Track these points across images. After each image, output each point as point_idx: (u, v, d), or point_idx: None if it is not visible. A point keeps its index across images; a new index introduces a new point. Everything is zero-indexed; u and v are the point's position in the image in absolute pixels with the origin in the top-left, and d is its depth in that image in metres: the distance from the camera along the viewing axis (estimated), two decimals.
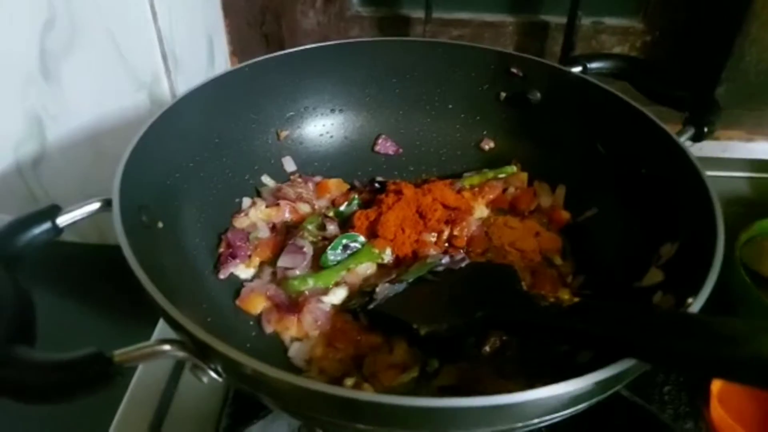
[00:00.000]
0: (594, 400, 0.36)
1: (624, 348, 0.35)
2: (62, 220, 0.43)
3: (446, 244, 0.60)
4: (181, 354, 0.36)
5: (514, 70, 0.66)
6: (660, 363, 0.35)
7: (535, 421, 0.36)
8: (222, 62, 0.91)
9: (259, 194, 0.65)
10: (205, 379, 0.37)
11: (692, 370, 0.35)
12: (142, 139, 0.49)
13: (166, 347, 0.36)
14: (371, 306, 0.51)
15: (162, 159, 0.52)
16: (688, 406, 0.54)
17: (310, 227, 0.60)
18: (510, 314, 0.43)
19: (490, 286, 0.48)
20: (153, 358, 0.36)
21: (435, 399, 0.32)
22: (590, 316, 0.39)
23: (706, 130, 0.55)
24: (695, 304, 0.38)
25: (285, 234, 0.61)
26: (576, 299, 0.42)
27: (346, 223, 0.62)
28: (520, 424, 0.36)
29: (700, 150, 0.53)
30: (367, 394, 0.36)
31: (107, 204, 0.44)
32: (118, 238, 0.39)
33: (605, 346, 0.37)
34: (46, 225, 0.42)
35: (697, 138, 0.55)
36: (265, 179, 0.66)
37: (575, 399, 0.35)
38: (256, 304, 0.54)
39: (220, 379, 0.37)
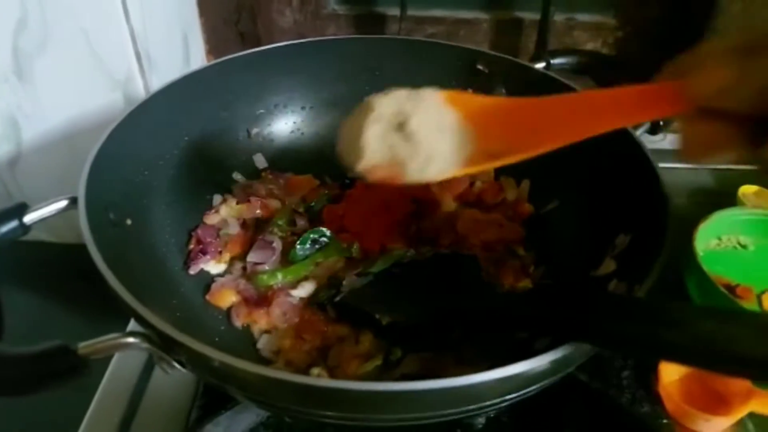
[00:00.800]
0: (547, 382, 0.38)
1: (574, 331, 0.37)
2: (29, 218, 0.44)
3: (414, 237, 0.61)
4: (145, 346, 0.37)
5: (480, 67, 0.67)
6: (607, 346, 0.37)
7: (489, 403, 0.38)
8: (198, 61, 0.90)
9: (229, 191, 0.66)
10: (170, 371, 0.38)
11: (638, 353, 0.37)
12: (110, 137, 0.50)
13: (131, 339, 0.37)
14: (337, 298, 0.53)
15: (131, 156, 0.53)
16: (645, 390, 0.56)
17: (279, 223, 0.61)
18: (469, 302, 0.45)
19: (452, 276, 0.50)
20: (118, 350, 0.37)
21: (391, 383, 0.34)
22: (542, 301, 0.40)
23: (662, 123, 0.57)
24: (641, 292, 0.40)
25: (255, 229, 0.62)
26: (530, 285, 0.43)
27: (316, 219, 0.63)
28: (473, 406, 0.38)
29: (662, 142, 0.55)
30: (329, 381, 0.37)
31: (74, 201, 0.44)
32: (83, 235, 0.40)
33: (557, 330, 0.39)
34: (13, 223, 0.43)
35: (653, 131, 0.57)
36: (236, 176, 0.67)
37: (528, 380, 0.36)
38: (226, 298, 0.55)
39: (184, 371, 0.38)
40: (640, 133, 0.56)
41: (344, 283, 0.54)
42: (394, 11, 0.94)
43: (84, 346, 0.35)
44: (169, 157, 0.59)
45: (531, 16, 0.95)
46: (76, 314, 0.76)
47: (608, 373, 0.56)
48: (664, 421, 0.53)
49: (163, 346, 0.37)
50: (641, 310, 0.37)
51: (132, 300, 0.36)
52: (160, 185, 0.57)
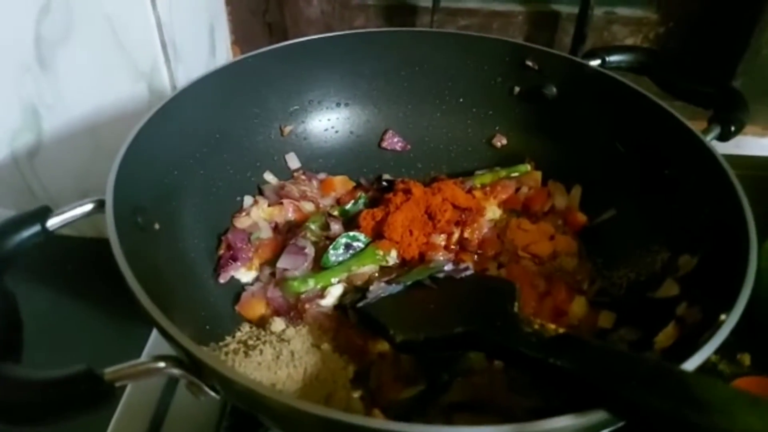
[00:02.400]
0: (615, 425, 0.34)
1: (595, 396, 0.32)
2: (52, 223, 0.41)
3: (456, 247, 0.57)
4: (176, 372, 0.34)
5: (529, 63, 0.63)
6: (625, 416, 0.32)
7: None
8: (223, 52, 0.88)
9: (261, 192, 0.63)
10: (201, 397, 0.35)
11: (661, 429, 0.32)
12: (139, 136, 0.46)
13: (161, 364, 0.34)
14: (360, 304, 0.49)
15: (160, 156, 0.50)
16: None
17: (313, 227, 0.58)
18: (490, 335, 0.41)
19: (482, 302, 0.46)
20: (146, 376, 0.34)
21: (424, 427, 0.30)
22: (568, 353, 0.35)
23: (733, 129, 0.52)
24: (729, 321, 0.36)
25: (286, 233, 0.58)
26: (561, 330, 0.39)
27: (351, 223, 0.59)
28: None
29: (735, 148, 0.51)
30: (368, 419, 0.33)
31: (100, 205, 0.41)
32: (112, 246, 0.37)
33: (576, 389, 0.34)
34: (35, 228, 0.40)
35: (723, 137, 0.53)
36: (268, 176, 0.63)
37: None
38: (256, 310, 0.52)
39: (217, 397, 0.35)
40: (710, 139, 0.51)
41: (371, 288, 0.50)
42: (425, 2, 0.91)
43: (111, 372, 0.32)
44: (199, 156, 0.56)
45: (568, 9, 0.91)
46: (95, 311, 0.74)
47: None
48: None
49: (195, 370, 0.34)
50: (677, 384, 0.32)
51: (166, 323, 0.33)
52: (189, 186, 0.54)
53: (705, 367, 0.55)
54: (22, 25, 0.64)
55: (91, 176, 0.75)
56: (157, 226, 0.48)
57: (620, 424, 0.33)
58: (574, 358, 0.35)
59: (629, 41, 0.94)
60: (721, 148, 0.49)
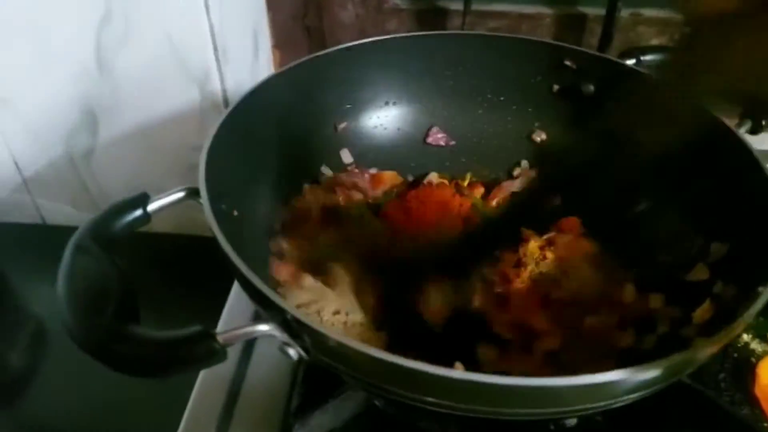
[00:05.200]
0: (657, 388, 0.38)
1: None
2: (151, 208, 0.46)
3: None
4: (275, 333, 0.38)
5: (567, 63, 0.67)
6: None
7: (598, 405, 0.38)
8: (265, 56, 0.92)
9: (317, 182, 0.67)
10: (294, 356, 0.39)
11: None
12: (220, 130, 0.51)
13: (263, 327, 0.38)
14: None
15: (236, 150, 0.54)
16: (743, 392, 0.55)
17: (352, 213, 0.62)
18: None
19: None
20: (250, 337, 0.38)
21: (520, 378, 0.34)
22: None
23: (764, 122, 0.56)
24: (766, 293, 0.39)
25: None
26: None
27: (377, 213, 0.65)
28: (583, 407, 0.38)
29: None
30: (464, 373, 0.35)
31: (193, 193, 0.46)
32: (211, 227, 0.41)
33: None
34: (138, 211, 0.45)
35: (754, 131, 0.56)
36: (324, 170, 0.68)
37: (639, 385, 0.36)
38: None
39: (307, 357, 0.39)
40: (742, 132, 0.55)
41: None
42: (456, 5, 0.94)
43: (222, 333, 0.36)
44: (268, 151, 0.60)
45: (594, 11, 0.94)
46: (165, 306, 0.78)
47: (705, 375, 0.56)
48: (765, 424, 0.53)
49: (290, 331, 0.38)
50: None
51: (266, 289, 0.37)
52: (261, 178, 0.58)
53: (737, 345, 0.59)
54: (84, 33, 0.68)
55: (143, 175, 0.79)
56: (235, 213, 0.52)
57: None
58: None
59: (655, 41, 0.97)
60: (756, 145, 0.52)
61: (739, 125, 0.56)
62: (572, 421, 0.53)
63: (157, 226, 0.45)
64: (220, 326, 0.45)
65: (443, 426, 0.51)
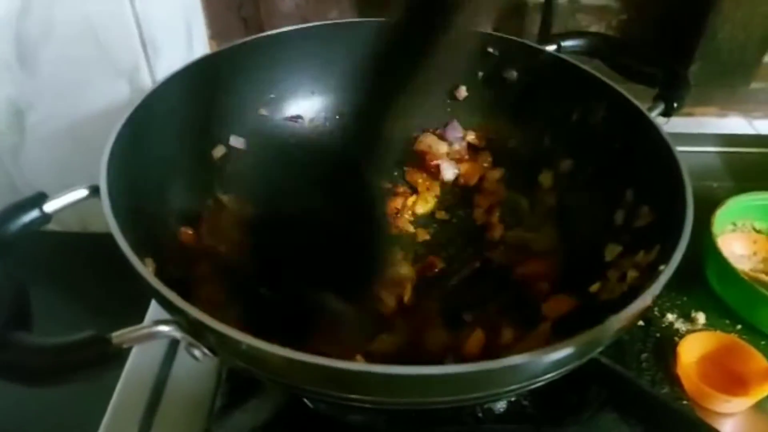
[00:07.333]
0: (573, 366, 0.38)
1: None
2: (49, 207, 0.44)
3: None
4: (176, 334, 0.37)
5: (490, 50, 0.67)
6: None
7: (515, 386, 0.38)
8: (200, 48, 0.90)
9: None
10: (200, 357, 0.38)
11: None
12: (125, 125, 0.49)
13: (162, 328, 0.37)
14: None
15: (144, 145, 0.52)
16: (664, 372, 0.57)
17: None
18: None
19: None
20: (149, 339, 0.37)
21: (422, 368, 0.33)
22: None
23: (675, 105, 0.57)
24: (666, 272, 0.40)
25: None
26: None
27: None
28: (500, 390, 0.38)
29: (675, 126, 0.55)
30: (368, 366, 0.35)
31: (94, 191, 0.44)
32: (108, 223, 0.40)
33: None
34: (35, 213, 0.43)
35: (666, 113, 0.57)
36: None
37: (554, 365, 0.36)
38: None
39: (215, 357, 0.38)
40: (654, 115, 0.56)
41: None
42: None
43: (117, 336, 0.35)
44: (179, 145, 0.58)
45: None
46: (84, 305, 0.76)
47: (627, 356, 0.57)
48: (684, 402, 0.54)
49: (193, 332, 0.37)
50: None
51: (160, 285, 0.36)
52: (173, 172, 0.57)
53: (661, 326, 0.61)
54: (2, 26, 0.65)
55: (73, 171, 0.75)
56: (145, 209, 0.50)
57: None
58: None
59: (593, 29, 0.98)
60: (683, 128, 0.54)
61: (652, 108, 0.57)
62: (501, 406, 0.53)
63: (93, 226, 0.44)
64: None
65: (371, 419, 0.51)
